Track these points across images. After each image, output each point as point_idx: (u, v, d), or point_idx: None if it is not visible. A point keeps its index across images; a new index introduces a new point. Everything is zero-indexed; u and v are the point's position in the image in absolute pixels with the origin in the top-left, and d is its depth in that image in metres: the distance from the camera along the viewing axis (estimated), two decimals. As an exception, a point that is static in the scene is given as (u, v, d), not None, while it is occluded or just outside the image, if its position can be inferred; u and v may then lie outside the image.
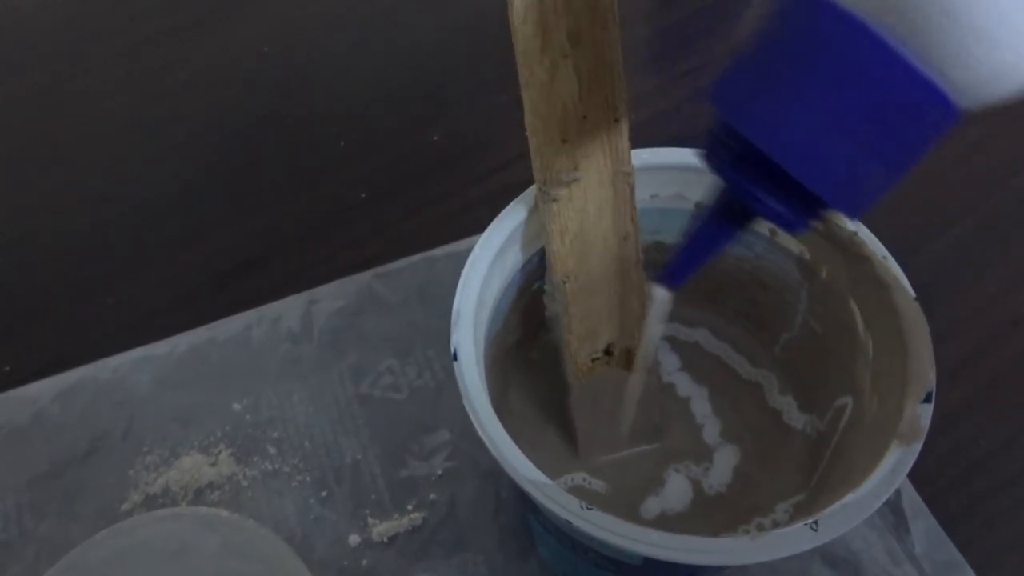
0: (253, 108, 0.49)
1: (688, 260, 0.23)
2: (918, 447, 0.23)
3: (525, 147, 0.27)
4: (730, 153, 0.19)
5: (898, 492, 0.33)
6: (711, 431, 0.31)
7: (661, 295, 0.24)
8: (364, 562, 0.32)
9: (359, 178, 0.45)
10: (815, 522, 0.22)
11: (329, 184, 0.45)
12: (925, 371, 0.25)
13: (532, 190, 0.28)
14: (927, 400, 0.24)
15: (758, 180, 0.19)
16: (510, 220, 0.28)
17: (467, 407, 0.24)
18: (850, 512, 0.22)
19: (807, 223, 0.19)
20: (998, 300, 0.40)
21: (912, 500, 0.33)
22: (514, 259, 0.29)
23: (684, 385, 0.32)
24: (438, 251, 0.40)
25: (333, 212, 0.44)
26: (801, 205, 0.19)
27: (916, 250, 0.41)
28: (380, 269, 0.40)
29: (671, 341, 0.34)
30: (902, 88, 0.16)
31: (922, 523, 0.33)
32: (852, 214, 0.18)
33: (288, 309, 0.39)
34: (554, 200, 0.27)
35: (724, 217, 0.21)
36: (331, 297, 0.39)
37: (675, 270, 0.23)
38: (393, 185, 0.45)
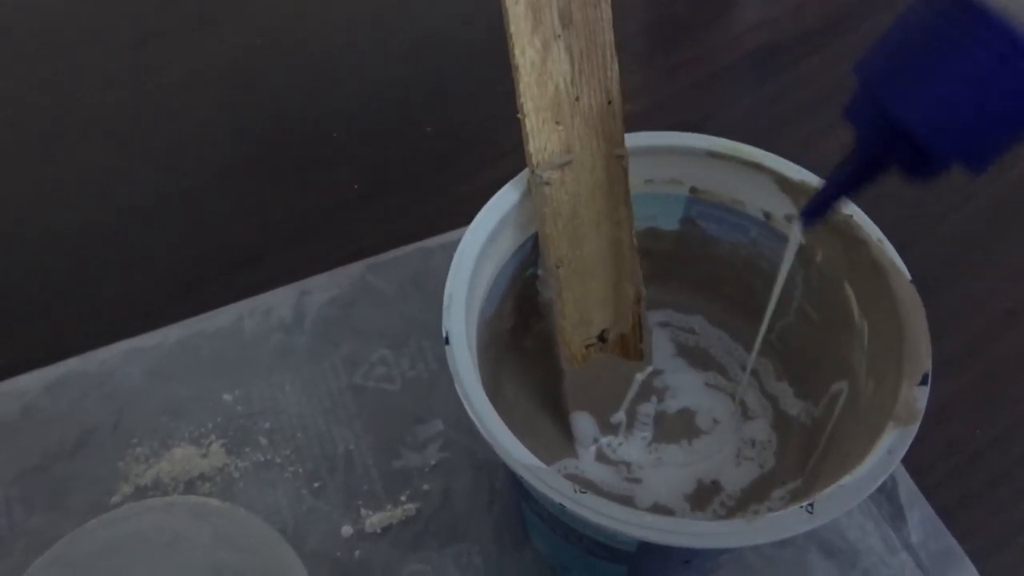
0: (246, 102, 0.49)
1: (823, 202, 0.25)
2: (914, 428, 0.23)
3: (519, 139, 0.27)
4: (870, 115, 0.22)
5: (894, 482, 0.33)
6: (705, 418, 0.31)
7: (796, 234, 0.27)
8: (357, 553, 0.32)
9: (352, 171, 0.45)
10: (810, 504, 0.22)
11: (322, 177, 0.45)
12: (921, 353, 0.25)
13: (524, 174, 0.28)
14: (923, 382, 0.24)
15: (894, 138, 0.22)
16: (502, 204, 0.28)
17: (459, 390, 0.24)
18: (846, 494, 0.22)
19: (935, 173, 0.22)
20: (994, 291, 0.40)
21: (909, 490, 0.33)
22: (507, 244, 0.29)
23: (679, 371, 0.32)
24: (432, 241, 0.40)
25: (326, 205, 0.43)
26: (928, 159, 0.22)
27: (912, 242, 0.41)
28: (373, 260, 0.40)
29: (667, 328, 0.33)
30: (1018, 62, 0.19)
31: (918, 512, 0.32)
32: (976, 170, 0.21)
33: (280, 300, 0.38)
34: (547, 183, 0.27)
35: (860, 167, 0.24)
36: (323, 288, 0.39)
37: (810, 210, 0.26)
38: (386, 178, 0.44)
